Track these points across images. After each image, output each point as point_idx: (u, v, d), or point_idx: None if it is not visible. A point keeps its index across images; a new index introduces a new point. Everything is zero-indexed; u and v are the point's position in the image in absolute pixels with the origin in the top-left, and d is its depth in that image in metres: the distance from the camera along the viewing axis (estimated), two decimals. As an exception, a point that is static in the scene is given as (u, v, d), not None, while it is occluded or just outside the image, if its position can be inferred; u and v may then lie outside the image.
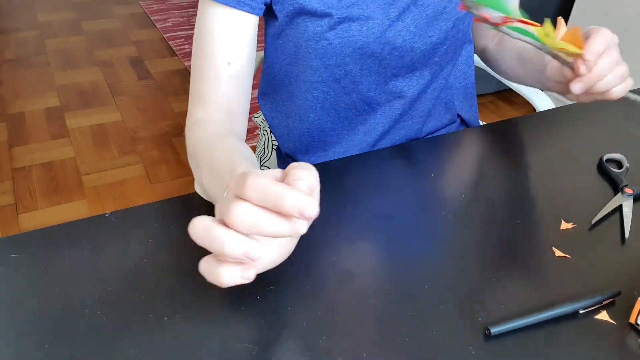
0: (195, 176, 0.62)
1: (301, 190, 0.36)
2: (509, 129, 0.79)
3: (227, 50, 0.65)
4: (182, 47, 2.79)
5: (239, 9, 0.64)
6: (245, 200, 0.36)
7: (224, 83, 0.65)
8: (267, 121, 0.87)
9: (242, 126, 0.67)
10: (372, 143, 0.79)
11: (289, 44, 0.71)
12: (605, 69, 0.57)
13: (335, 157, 0.80)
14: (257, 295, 0.50)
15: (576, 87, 0.58)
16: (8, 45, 2.73)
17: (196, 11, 3.31)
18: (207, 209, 0.59)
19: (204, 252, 0.46)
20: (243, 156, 0.53)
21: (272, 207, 0.35)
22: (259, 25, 0.70)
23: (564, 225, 0.60)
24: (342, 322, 0.48)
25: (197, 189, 0.63)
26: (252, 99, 2.25)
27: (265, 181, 0.36)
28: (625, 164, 0.69)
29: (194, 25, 3.00)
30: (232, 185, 0.38)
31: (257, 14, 0.67)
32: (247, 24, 0.66)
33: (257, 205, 0.36)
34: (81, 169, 1.90)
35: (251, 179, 0.36)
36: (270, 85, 0.81)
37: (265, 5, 0.68)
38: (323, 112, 0.76)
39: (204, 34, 0.66)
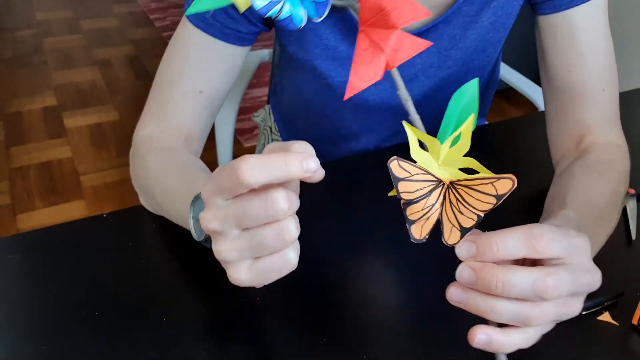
0: (141, 196, 0.60)
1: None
2: (511, 129, 0.79)
3: (202, 78, 0.62)
4: (181, 46, 2.79)
5: (224, 41, 0.61)
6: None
7: (190, 110, 0.62)
8: (274, 115, 0.87)
9: (198, 150, 0.64)
10: (385, 137, 0.78)
11: (303, 74, 0.71)
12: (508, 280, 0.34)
13: (342, 152, 0.79)
14: (257, 297, 0.50)
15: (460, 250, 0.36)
16: (5, 44, 2.72)
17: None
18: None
19: (202, 252, 0.46)
20: (200, 168, 0.52)
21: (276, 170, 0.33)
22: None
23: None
24: (342, 323, 0.48)
25: (144, 203, 0.60)
26: (249, 98, 2.25)
27: (258, 156, 0.34)
28: (626, 164, 0.68)
29: (192, 24, 3.00)
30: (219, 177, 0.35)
31: (245, 45, 0.64)
32: (231, 54, 0.63)
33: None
34: (79, 169, 1.89)
35: (241, 161, 0.33)
36: (283, 78, 0.81)
37: (262, 31, 0.65)
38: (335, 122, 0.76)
39: (179, 55, 0.63)
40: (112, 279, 0.51)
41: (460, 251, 0.34)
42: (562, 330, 0.48)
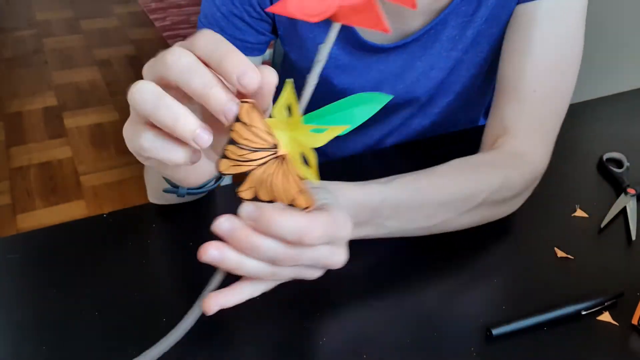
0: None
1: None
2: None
3: None
4: (181, 46, 2.78)
5: None
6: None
7: None
8: None
9: None
10: (380, 138, 0.78)
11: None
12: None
13: (342, 151, 0.79)
14: (257, 297, 0.50)
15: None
16: (5, 44, 2.72)
17: (196, 9, 3.30)
18: (208, 209, 0.59)
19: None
20: None
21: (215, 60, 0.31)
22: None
23: (573, 218, 0.59)
24: (342, 323, 0.48)
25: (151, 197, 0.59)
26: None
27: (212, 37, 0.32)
28: (626, 164, 0.68)
29: (193, 24, 3.00)
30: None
31: (255, 55, 0.65)
32: None
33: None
34: (79, 169, 1.89)
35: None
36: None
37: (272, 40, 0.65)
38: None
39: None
40: (112, 279, 0.51)
41: (243, 210, 0.34)
42: (562, 330, 0.48)
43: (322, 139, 0.31)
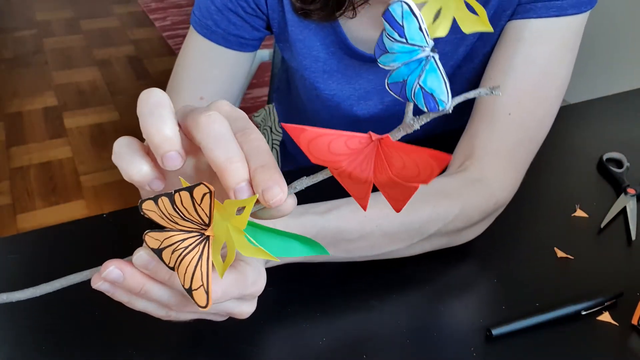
0: None
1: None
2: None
3: (203, 84, 0.62)
4: (181, 46, 2.79)
5: (226, 47, 0.62)
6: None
7: None
8: (277, 111, 0.86)
9: None
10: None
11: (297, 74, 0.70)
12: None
13: None
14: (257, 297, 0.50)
15: None
16: (5, 45, 2.72)
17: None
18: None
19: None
20: None
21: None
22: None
23: (572, 220, 0.59)
24: (341, 323, 0.48)
25: None
26: (249, 98, 2.25)
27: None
28: (626, 164, 0.68)
29: (192, 24, 3.00)
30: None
31: (249, 51, 0.64)
32: (234, 60, 0.63)
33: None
34: (79, 169, 1.89)
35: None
36: (284, 85, 0.81)
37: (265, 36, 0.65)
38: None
39: (184, 63, 0.64)
40: (112, 279, 0.51)
41: (139, 258, 0.34)
42: (562, 330, 0.48)
43: (250, 252, 0.28)
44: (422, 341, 0.47)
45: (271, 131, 0.93)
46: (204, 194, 0.27)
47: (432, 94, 0.25)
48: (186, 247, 0.29)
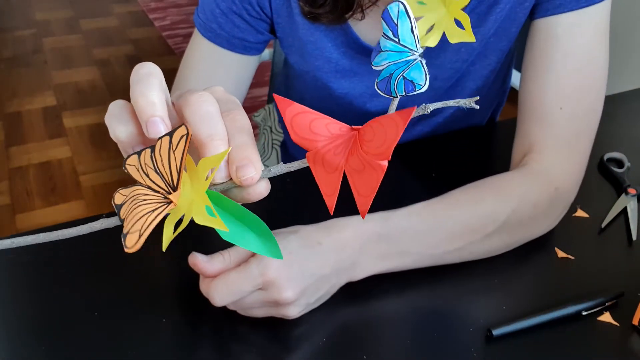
0: None
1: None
2: (510, 128, 0.79)
3: (205, 87, 0.63)
4: (181, 45, 2.79)
5: (230, 50, 0.62)
6: None
7: None
8: (277, 113, 0.86)
9: None
10: None
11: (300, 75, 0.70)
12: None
13: None
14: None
15: None
16: (5, 44, 2.72)
17: (195, 8, 3.29)
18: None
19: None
20: None
21: None
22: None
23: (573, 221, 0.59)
24: (342, 324, 0.48)
25: None
26: (249, 98, 2.24)
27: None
28: (626, 164, 0.68)
29: (193, 23, 3.00)
30: None
31: (253, 54, 0.64)
32: (238, 63, 0.63)
33: None
34: (78, 169, 1.89)
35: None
36: (284, 85, 0.81)
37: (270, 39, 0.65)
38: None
39: (188, 65, 0.64)
40: (112, 279, 0.51)
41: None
42: (563, 331, 0.48)
43: (203, 220, 0.27)
44: (423, 341, 0.46)
45: (271, 131, 0.93)
46: (181, 137, 0.27)
47: (412, 81, 0.27)
48: (144, 200, 0.29)
